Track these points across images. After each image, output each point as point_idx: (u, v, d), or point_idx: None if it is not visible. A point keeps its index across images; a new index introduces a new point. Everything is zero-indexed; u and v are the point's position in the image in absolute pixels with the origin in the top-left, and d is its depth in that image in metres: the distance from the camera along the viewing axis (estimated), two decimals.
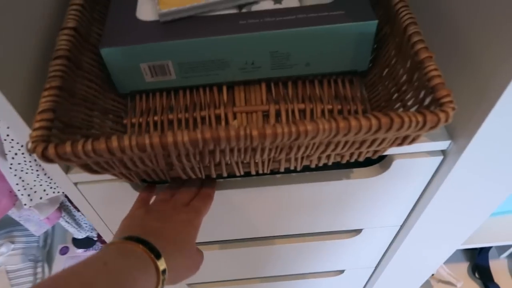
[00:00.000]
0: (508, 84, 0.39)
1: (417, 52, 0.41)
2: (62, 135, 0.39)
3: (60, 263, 1.19)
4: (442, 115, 0.36)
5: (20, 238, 1.24)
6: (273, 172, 0.52)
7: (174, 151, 0.37)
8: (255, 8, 0.48)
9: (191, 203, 0.47)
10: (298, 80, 0.54)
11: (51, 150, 0.35)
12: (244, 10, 0.49)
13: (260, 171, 0.47)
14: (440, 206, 0.59)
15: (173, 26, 0.47)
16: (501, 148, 0.47)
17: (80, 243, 1.16)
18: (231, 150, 0.40)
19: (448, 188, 0.55)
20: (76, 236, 1.12)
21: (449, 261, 1.26)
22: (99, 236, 1.12)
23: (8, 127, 0.62)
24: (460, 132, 0.47)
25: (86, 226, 1.08)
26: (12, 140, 0.64)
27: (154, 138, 0.35)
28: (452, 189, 0.55)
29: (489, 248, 1.24)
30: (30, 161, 0.68)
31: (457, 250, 1.31)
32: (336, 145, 0.41)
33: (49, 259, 1.25)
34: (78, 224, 1.05)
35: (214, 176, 0.46)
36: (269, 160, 0.45)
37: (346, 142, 0.40)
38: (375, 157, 0.48)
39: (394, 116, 0.36)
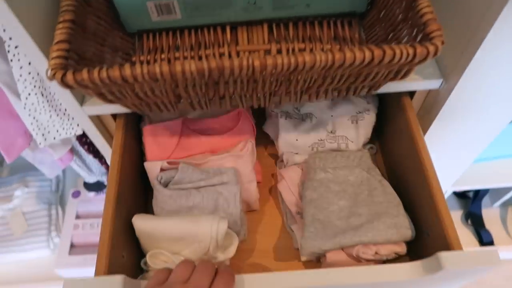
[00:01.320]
0: (495, 22, 0.41)
1: None
2: (77, 66, 0.42)
3: (73, 206, 1.26)
4: (431, 48, 0.38)
5: (33, 182, 1.30)
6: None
7: (182, 81, 0.40)
8: None
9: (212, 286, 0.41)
10: (298, 21, 0.55)
11: (69, 76, 0.38)
12: None
13: (262, 105, 0.50)
14: (433, 143, 0.62)
15: None
16: (490, 83, 0.50)
17: (91, 187, 1.21)
18: (235, 82, 0.43)
19: (440, 126, 0.58)
20: (87, 180, 1.17)
21: None
22: None
23: (21, 67, 0.65)
24: (451, 70, 0.50)
25: (96, 171, 1.13)
26: (25, 80, 0.67)
27: (164, 67, 0.38)
28: (444, 126, 0.59)
29: (483, 196, 1.29)
30: (43, 102, 0.71)
31: (451, 198, 1.36)
32: (333, 79, 0.44)
33: (62, 202, 1.31)
34: (89, 168, 1.10)
35: (219, 108, 0.49)
36: (270, 94, 0.48)
37: (342, 76, 0.43)
38: (371, 93, 0.51)
39: (386, 48, 0.38)
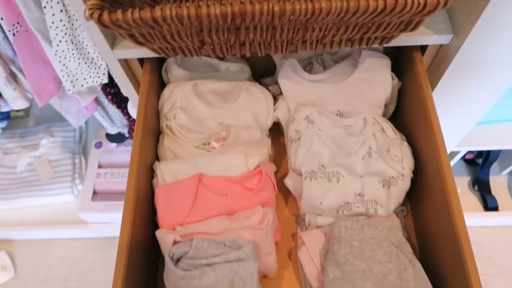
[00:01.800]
0: None
1: None
2: (111, 8, 0.45)
3: (95, 156, 1.33)
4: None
5: (58, 132, 1.37)
6: None
7: (207, 24, 0.43)
8: None
9: None
10: None
11: (105, 16, 0.42)
12: None
13: (279, 53, 0.53)
14: (440, 100, 0.65)
15: None
16: (499, 40, 0.52)
17: (113, 138, 1.28)
18: (255, 28, 0.46)
19: (448, 83, 0.61)
20: (109, 132, 1.23)
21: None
22: (129, 132, 1.23)
23: (53, 14, 0.69)
24: (462, 25, 0.52)
25: (118, 122, 1.18)
26: (57, 27, 0.71)
27: (191, 9, 0.41)
28: (452, 83, 0.61)
29: (491, 163, 1.31)
30: (72, 49, 0.75)
31: (460, 164, 1.39)
32: (347, 28, 0.47)
33: (85, 152, 1.39)
34: (111, 120, 1.16)
35: (238, 55, 0.53)
36: (287, 42, 0.51)
37: (355, 25, 0.46)
38: (383, 45, 0.54)
39: None
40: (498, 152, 1.27)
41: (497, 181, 1.35)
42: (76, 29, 0.72)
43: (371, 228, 0.54)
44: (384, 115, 0.63)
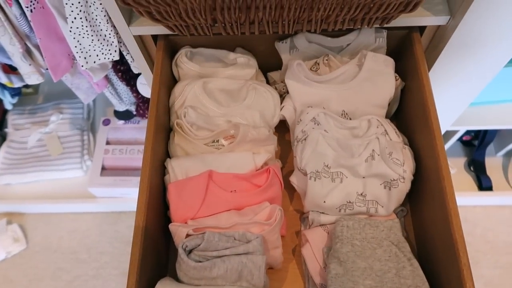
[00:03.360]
0: None
1: None
2: None
3: (103, 133, 1.37)
4: None
5: (67, 110, 1.41)
6: None
7: (220, 2, 0.47)
8: None
9: None
10: None
11: None
12: None
13: (286, 32, 0.57)
14: (438, 80, 0.69)
15: None
16: (492, 21, 0.56)
17: (121, 115, 1.32)
18: (264, 7, 0.50)
19: (444, 63, 0.65)
20: (117, 109, 1.27)
21: (448, 154, 1.40)
22: (137, 110, 1.27)
23: None
24: (458, 7, 0.55)
25: (126, 100, 1.22)
26: (72, 4, 0.75)
27: None
28: (448, 63, 0.65)
29: (487, 144, 1.35)
30: (86, 26, 0.79)
31: (457, 145, 1.43)
32: (350, 8, 0.50)
33: (93, 129, 1.43)
34: (120, 97, 1.19)
35: (248, 33, 0.57)
36: (294, 21, 0.54)
37: (358, 5, 0.50)
38: (383, 25, 0.57)
39: None
40: (493, 134, 1.31)
41: (492, 162, 1.40)
42: (90, 6, 0.75)
43: (372, 228, 0.57)
44: (386, 115, 0.66)
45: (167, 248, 0.63)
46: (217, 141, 0.63)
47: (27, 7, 0.74)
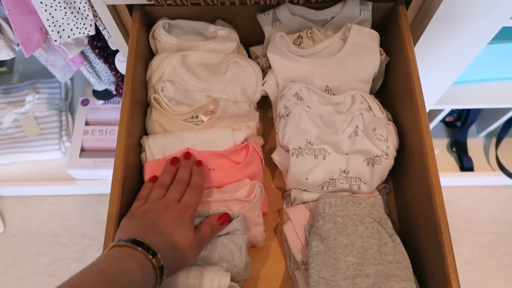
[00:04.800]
0: None
1: None
2: None
3: (82, 113, 1.32)
4: None
5: (43, 89, 1.36)
6: None
7: None
8: None
9: (182, 198, 0.51)
10: None
11: None
12: None
13: (268, 1, 0.54)
14: (422, 56, 0.68)
15: None
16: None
17: (100, 95, 1.27)
18: None
19: (429, 38, 0.63)
20: (96, 88, 1.23)
21: (431, 135, 1.40)
22: (117, 89, 1.23)
23: None
24: None
25: (105, 79, 1.18)
26: None
27: None
28: (433, 38, 0.64)
29: (469, 125, 1.36)
30: None
31: (440, 126, 1.44)
32: None
33: (71, 110, 1.38)
34: (98, 76, 1.15)
35: (228, 3, 0.54)
36: None
37: None
38: None
39: None
40: (475, 115, 1.32)
41: (474, 143, 1.41)
42: None
43: (354, 205, 0.57)
44: (371, 91, 0.65)
45: None
46: (196, 116, 0.60)
47: None
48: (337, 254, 0.54)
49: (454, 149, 1.41)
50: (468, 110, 1.31)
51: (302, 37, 0.63)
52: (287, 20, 0.63)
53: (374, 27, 0.63)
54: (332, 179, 0.59)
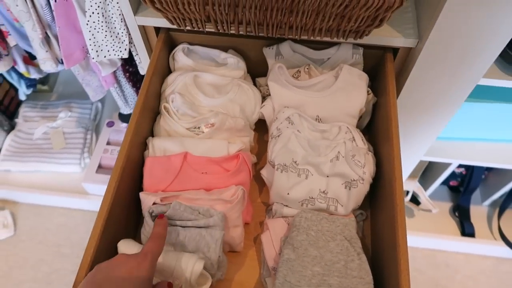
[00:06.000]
0: None
1: None
2: None
3: (106, 134, 1.44)
4: None
5: (76, 109, 1.49)
6: None
7: None
8: None
9: (142, 248, 0.50)
10: None
11: None
12: None
13: (270, 34, 0.64)
14: (407, 103, 0.75)
15: None
16: (454, 45, 0.62)
17: (125, 118, 1.39)
18: (250, 6, 0.57)
19: (412, 87, 0.71)
20: (122, 111, 1.34)
21: (435, 197, 1.42)
22: None
23: None
24: (424, 31, 0.62)
25: (131, 103, 1.30)
26: (92, 0, 0.84)
27: None
28: (415, 87, 0.71)
29: (472, 191, 1.38)
30: (102, 22, 0.88)
31: (443, 190, 1.46)
32: (324, 17, 0.57)
33: (97, 130, 1.50)
34: (126, 99, 1.27)
35: (237, 32, 0.64)
36: (276, 25, 0.61)
37: (330, 15, 0.57)
38: (357, 39, 0.64)
39: None
40: (478, 180, 1.35)
41: (478, 210, 1.42)
42: (108, 4, 0.84)
43: (328, 222, 0.61)
44: (358, 126, 0.71)
45: (138, 218, 0.67)
46: (198, 127, 0.68)
47: None
48: (305, 263, 0.58)
49: (456, 214, 1.42)
50: (471, 175, 1.34)
51: (300, 72, 0.72)
52: (289, 56, 0.72)
53: (366, 70, 0.71)
54: (312, 197, 0.64)
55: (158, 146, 0.66)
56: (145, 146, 0.67)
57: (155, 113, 0.71)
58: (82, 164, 1.41)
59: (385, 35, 0.65)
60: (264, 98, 0.74)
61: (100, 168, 1.38)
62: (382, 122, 0.67)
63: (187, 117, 0.68)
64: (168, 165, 0.64)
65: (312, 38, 0.64)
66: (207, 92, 0.71)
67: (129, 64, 1.09)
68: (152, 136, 0.69)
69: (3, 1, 0.89)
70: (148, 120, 0.68)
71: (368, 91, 0.70)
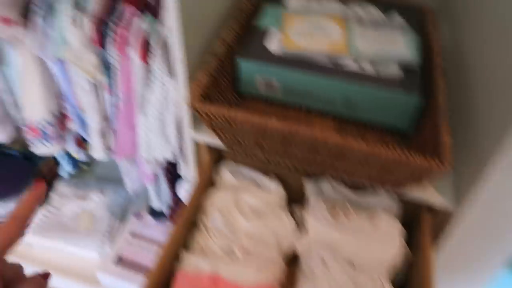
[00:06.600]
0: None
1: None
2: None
3: (132, 225, 1.43)
4: (433, 163, 0.53)
5: (109, 194, 1.53)
6: None
7: (261, 133, 0.59)
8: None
9: None
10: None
11: (197, 104, 0.59)
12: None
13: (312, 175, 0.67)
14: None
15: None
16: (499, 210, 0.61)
17: (154, 214, 1.40)
18: (296, 156, 0.61)
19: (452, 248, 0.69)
20: (153, 205, 1.36)
21: None
22: (171, 215, 1.35)
23: (155, 93, 0.89)
24: (463, 195, 0.62)
25: (164, 201, 1.32)
26: (155, 104, 0.92)
27: (254, 118, 0.57)
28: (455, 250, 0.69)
29: None
30: (158, 125, 0.95)
31: None
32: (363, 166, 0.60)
33: (124, 219, 1.51)
34: (160, 196, 1.30)
35: (282, 169, 0.67)
36: (322, 170, 0.64)
37: (372, 164, 0.59)
38: (396, 190, 0.65)
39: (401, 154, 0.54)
40: None
41: None
42: (166, 110, 0.92)
43: None
44: (392, 281, 0.68)
45: None
46: (232, 250, 0.68)
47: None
48: None
49: None
50: None
51: (336, 209, 0.72)
52: (328, 191, 0.74)
53: (402, 224, 0.71)
54: None
55: (190, 262, 0.66)
56: (178, 257, 0.67)
57: (191, 223, 0.72)
58: (101, 252, 1.39)
59: (423, 192, 0.66)
60: (297, 224, 0.74)
61: (121, 261, 1.35)
62: (417, 282, 0.64)
63: (223, 237, 0.69)
64: (197, 282, 0.64)
65: (351, 179, 0.65)
66: (246, 215, 0.73)
67: (171, 163, 1.14)
68: (185, 246, 0.70)
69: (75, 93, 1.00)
70: (185, 230, 0.69)
71: (404, 247, 0.68)
